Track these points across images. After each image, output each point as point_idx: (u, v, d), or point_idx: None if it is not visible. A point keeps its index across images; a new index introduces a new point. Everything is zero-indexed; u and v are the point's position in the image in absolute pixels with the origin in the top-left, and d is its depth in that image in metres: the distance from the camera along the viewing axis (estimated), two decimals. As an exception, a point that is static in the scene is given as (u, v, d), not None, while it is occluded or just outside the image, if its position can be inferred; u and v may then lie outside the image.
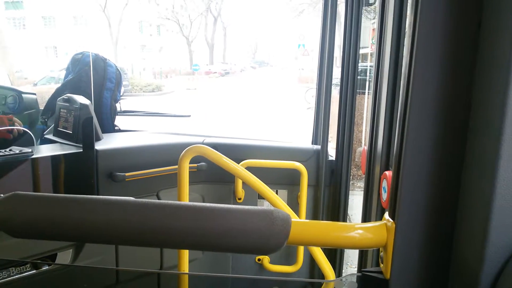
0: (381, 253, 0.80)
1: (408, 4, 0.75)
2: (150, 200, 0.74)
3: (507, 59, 0.60)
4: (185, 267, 1.83)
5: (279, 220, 0.70)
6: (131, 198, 0.75)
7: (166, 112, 3.19)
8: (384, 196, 1.32)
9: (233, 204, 2.40)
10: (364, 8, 2.03)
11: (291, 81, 22.35)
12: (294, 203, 2.37)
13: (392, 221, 0.77)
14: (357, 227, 0.79)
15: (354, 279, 0.85)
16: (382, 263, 0.80)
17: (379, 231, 0.78)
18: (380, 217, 1.45)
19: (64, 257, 1.93)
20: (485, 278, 0.65)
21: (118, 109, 2.69)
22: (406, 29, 0.75)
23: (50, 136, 2.21)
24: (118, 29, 26.45)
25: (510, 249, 0.64)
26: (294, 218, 0.78)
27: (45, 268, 1.88)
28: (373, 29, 1.49)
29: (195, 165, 2.24)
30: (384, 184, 1.32)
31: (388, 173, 1.30)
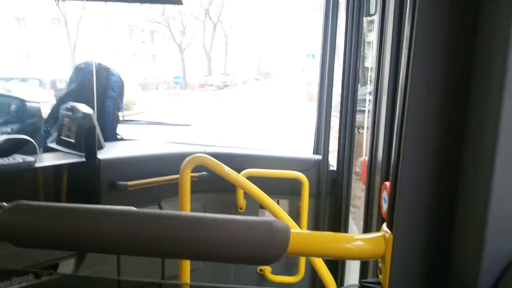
0: (380, 264, 0.81)
1: (406, 13, 0.76)
2: (151, 210, 0.75)
3: (502, 67, 0.61)
4: (187, 277, 1.83)
5: (278, 231, 0.71)
6: (133, 208, 0.75)
7: (166, 121, 3.22)
8: (385, 206, 1.33)
9: (235, 213, 2.40)
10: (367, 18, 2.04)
11: (299, 97, 19.39)
12: (295, 213, 2.37)
13: (390, 232, 0.77)
14: (355, 238, 0.80)
15: None
16: (381, 274, 0.80)
17: (377, 242, 0.78)
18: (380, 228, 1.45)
19: (66, 266, 1.93)
20: None
21: (120, 117, 2.71)
22: (404, 40, 0.76)
23: (53, 145, 2.22)
24: (78, 28, 21.47)
25: (507, 259, 0.65)
26: (294, 228, 0.79)
27: (47, 277, 1.88)
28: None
29: (197, 174, 2.24)
30: (385, 194, 1.32)
31: (389, 184, 1.30)
